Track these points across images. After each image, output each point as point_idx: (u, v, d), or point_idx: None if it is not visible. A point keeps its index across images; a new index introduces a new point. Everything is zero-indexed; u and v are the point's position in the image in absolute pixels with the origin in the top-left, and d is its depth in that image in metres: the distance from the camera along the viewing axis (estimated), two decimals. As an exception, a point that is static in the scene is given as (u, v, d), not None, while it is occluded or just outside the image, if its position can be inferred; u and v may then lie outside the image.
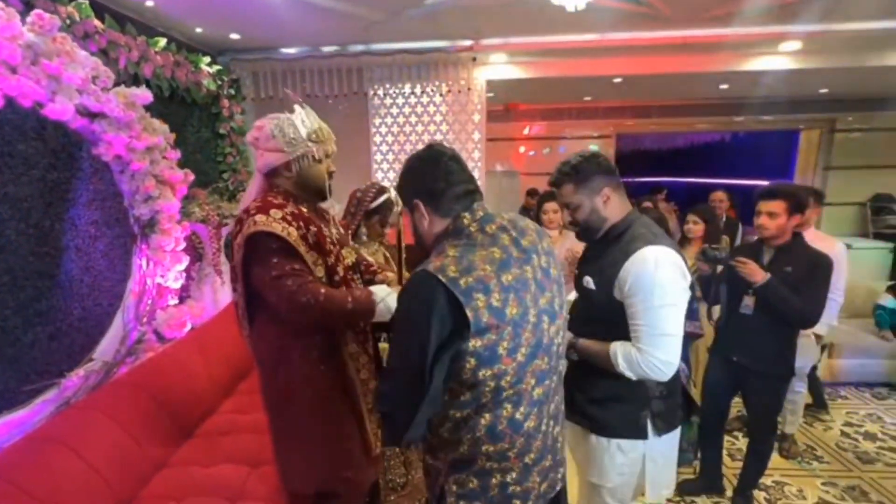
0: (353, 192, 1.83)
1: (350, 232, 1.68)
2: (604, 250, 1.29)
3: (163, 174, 2.16)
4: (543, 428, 0.99)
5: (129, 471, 1.43)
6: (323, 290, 1.18)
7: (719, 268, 2.13)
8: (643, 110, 5.79)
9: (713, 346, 2.18)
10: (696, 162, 7.11)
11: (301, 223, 1.23)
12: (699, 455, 2.35)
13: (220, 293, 2.85)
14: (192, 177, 2.35)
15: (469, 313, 0.86)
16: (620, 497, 1.37)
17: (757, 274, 1.83)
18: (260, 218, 1.18)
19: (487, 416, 0.92)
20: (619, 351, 1.21)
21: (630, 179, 6.96)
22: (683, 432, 2.23)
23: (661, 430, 1.30)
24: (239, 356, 2.22)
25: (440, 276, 0.87)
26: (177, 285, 2.32)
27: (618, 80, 4.06)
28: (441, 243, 0.98)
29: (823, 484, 2.40)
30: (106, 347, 2.03)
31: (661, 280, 1.16)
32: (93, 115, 1.81)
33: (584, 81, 4.30)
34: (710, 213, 2.88)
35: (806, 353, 2.48)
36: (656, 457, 1.33)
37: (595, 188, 1.27)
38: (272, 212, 1.20)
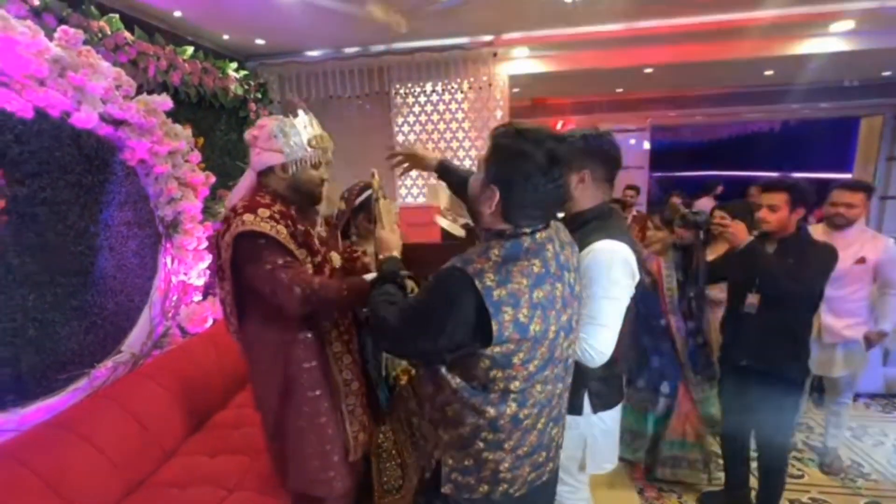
0: (340, 195, 1.84)
1: (340, 232, 1.70)
2: (564, 237, 1.29)
3: (185, 177, 2.27)
4: (540, 426, 1.02)
5: (139, 458, 1.53)
6: (317, 279, 1.21)
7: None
8: (680, 101, 5.51)
9: (721, 355, 2.04)
10: (740, 154, 6.66)
11: (289, 221, 1.25)
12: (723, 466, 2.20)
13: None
14: (213, 179, 2.46)
15: (494, 326, 0.88)
16: (567, 470, 1.42)
17: (741, 234, 1.71)
18: (248, 217, 1.20)
19: (492, 409, 0.96)
20: None
21: (667, 174, 6.63)
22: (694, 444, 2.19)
23: (598, 409, 1.37)
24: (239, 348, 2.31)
25: (476, 282, 0.88)
26: (200, 282, 2.44)
27: (648, 70, 3.88)
28: (490, 239, 0.98)
29: (868, 504, 2.21)
30: (134, 340, 2.16)
31: (608, 273, 1.19)
32: (117, 123, 1.92)
33: (613, 73, 4.13)
34: (744, 209, 2.69)
35: (853, 361, 2.29)
36: (595, 433, 1.40)
37: (574, 166, 1.25)
38: (260, 211, 1.22)
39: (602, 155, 1.27)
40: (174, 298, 2.31)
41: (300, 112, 1.33)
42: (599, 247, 1.20)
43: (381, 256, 1.19)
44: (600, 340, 1.19)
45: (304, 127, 1.30)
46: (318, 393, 1.33)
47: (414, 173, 3.83)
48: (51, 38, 1.65)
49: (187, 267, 2.35)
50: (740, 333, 1.88)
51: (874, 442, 2.70)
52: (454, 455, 1.02)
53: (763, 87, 5.10)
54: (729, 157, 6.38)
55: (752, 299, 1.81)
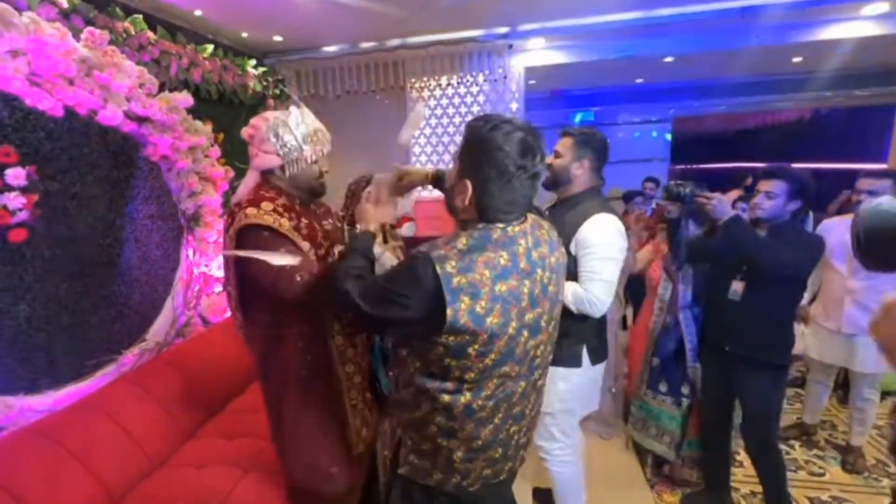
0: (348, 185, 1.86)
1: (347, 223, 1.72)
2: (564, 214, 1.59)
3: (205, 171, 2.34)
4: (497, 421, 1.00)
5: (161, 439, 1.61)
6: (317, 266, 1.21)
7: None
8: (704, 90, 5.35)
9: (704, 340, 2.03)
10: (768, 145, 6.43)
11: (293, 214, 1.27)
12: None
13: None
14: (231, 173, 2.53)
15: (449, 313, 0.87)
16: (562, 426, 1.67)
17: (723, 207, 1.71)
18: (251, 211, 1.20)
19: (446, 396, 0.96)
20: (568, 288, 1.50)
21: (690, 166, 6.46)
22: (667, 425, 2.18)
23: (594, 361, 1.65)
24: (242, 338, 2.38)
25: (437, 267, 0.88)
26: (220, 273, 2.52)
27: (668, 59, 3.79)
28: (460, 229, 0.98)
29: (893, 505, 2.13)
30: (157, 329, 2.26)
31: (606, 238, 1.50)
32: (140, 120, 2.00)
33: (632, 63, 4.05)
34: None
35: (875, 354, 2.21)
36: (589, 380, 1.67)
37: (581, 154, 1.60)
38: (263, 204, 1.22)
39: (597, 148, 1.61)
40: (196, 289, 2.40)
41: (292, 108, 1.31)
42: (599, 217, 1.51)
43: (357, 228, 1.17)
44: (602, 292, 1.49)
45: (297, 125, 1.27)
46: (321, 386, 1.33)
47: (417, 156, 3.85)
48: (77, 39, 1.73)
49: (208, 259, 2.44)
50: (724, 320, 1.88)
51: (902, 442, 2.61)
52: (413, 436, 1.04)
53: (791, 75, 4.90)
54: (756, 148, 6.14)
55: (737, 286, 1.80)
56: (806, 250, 1.72)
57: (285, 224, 1.23)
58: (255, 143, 1.31)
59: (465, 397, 0.96)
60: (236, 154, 3.05)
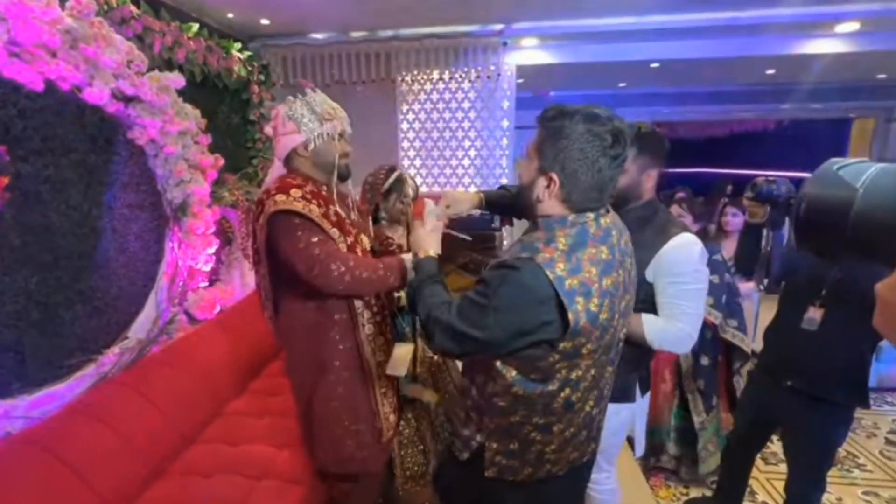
0: (364, 180, 1.81)
1: (370, 217, 1.68)
2: (635, 230, 1.26)
3: (194, 158, 2.20)
4: (588, 408, 1.02)
5: (160, 445, 1.49)
6: (351, 257, 1.21)
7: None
8: (680, 97, 5.54)
9: (759, 363, 1.84)
10: (735, 152, 6.76)
11: (321, 201, 1.24)
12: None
13: (248, 277, 2.91)
14: (221, 161, 2.39)
15: (571, 317, 0.86)
16: (609, 457, 1.51)
17: None
18: (280, 198, 1.19)
19: (547, 398, 0.96)
20: (652, 324, 1.30)
21: (664, 170, 6.69)
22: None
23: (643, 392, 1.47)
24: (266, 339, 2.26)
25: (548, 272, 0.86)
26: (207, 268, 2.37)
27: (655, 65, 3.89)
28: (551, 226, 0.94)
29: (864, 493, 2.28)
30: (140, 326, 2.10)
31: (695, 265, 1.28)
32: (128, 100, 1.85)
33: (619, 67, 4.13)
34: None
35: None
36: (640, 415, 1.52)
37: (647, 164, 1.34)
38: (292, 191, 1.21)
39: (659, 150, 1.38)
40: (181, 284, 2.25)
41: (307, 90, 1.33)
42: (684, 240, 1.29)
43: (419, 255, 1.16)
44: (693, 326, 1.29)
45: (313, 102, 1.30)
46: (352, 374, 1.33)
47: (418, 162, 3.80)
48: (62, 8, 1.57)
49: (195, 252, 2.29)
50: (793, 351, 1.62)
51: (867, 434, 2.80)
52: (499, 439, 1.01)
53: (761, 87, 5.16)
54: (725, 155, 6.46)
55: (814, 314, 1.54)
56: None
57: (315, 210, 1.21)
58: (278, 130, 1.29)
59: (565, 392, 0.96)
60: (219, 141, 2.89)
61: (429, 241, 1.18)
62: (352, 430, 1.34)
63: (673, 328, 1.28)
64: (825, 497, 2.23)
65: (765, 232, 1.75)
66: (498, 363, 0.96)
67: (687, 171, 6.72)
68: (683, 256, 1.27)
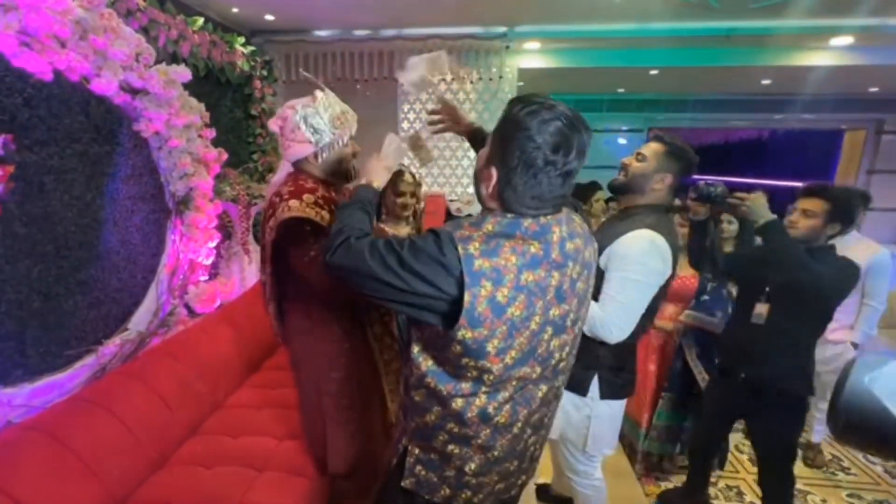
0: None
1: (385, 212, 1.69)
2: (618, 224, 1.40)
3: (198, 152, 2.20)
4: (516, 430, 0.93)
5: (162, 435, 1.50)
6: None
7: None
8: (678, 104, 5.62)
9: (719, 359, 1.95)
10: (729, 160, 6.86)
11: (333, 206, 1.26)
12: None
13: (247, 271, 2.92)
14: (225, 156, 2.40)
15: (466, 297, 0.79)
16: (595, 450, 1.52)
17: (761, 209, 1.53)
18: (294, 203, 1.19)
19: (459, 400, 0.88)
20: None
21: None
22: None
23: (605, 396, 1.44)
24: (266, 334, 2.27)
25: (459, 247, 0.80)
26: (208, 262, 2.38)
27: (654, 71, 3.94)
28: (486, 216, 0.87)
29: (848, 496, 2.34)
30: (140, 318, 2.10)
31: (639, 258, 1.29)
32: (135, 92, 1.85)
33: (619, 72, 4.18)
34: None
35: (839, 363, 2.40)
36: (601, 417, 1.47)
37: (668, 168, 1.39)
38: (305, 196, 1.22)
39: (687, 166, 1.40)
40: (181, 277, 2.25)
41: (317, 93, 1.29)
42: (642, 233, 1.31)
43: (362, 181, 1.10)
44: (624, 319, 1.30)
45: (325, 109, 1.26)
46: (359, 373, 1.34)
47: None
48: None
49: (196, 245, 2.29)
50: (742, 344, 1.75)
51: (852, 438, 2.86)
52: (420, 445, 0.95)
53: (755, 96, 5.25)
54: (719, 163, 6.56)
55: (761, 309, 1.68)
56: (845, 276, 1.54)
57: (326, 217, 1.22)
58: (286, 134, 1.28)
59: (481, 400, 0.87)
60: (221, 136, 2.89)
61: (377, 172, 1.12)
62: (361, 428, 1.35)
63: (600, 311, 1.31)
64: (810, 498, 2.31)
65: (710, 227, 1.91)
66: (415, 350, 0.91)
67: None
68: (631, 248, 1.30)
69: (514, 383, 0.88)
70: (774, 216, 1.55)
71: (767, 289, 1.68)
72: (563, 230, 0.88)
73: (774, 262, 1.55)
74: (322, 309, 1.29)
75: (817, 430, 2.57)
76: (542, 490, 2.13)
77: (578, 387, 1.42)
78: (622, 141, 6.36)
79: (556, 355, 0.92)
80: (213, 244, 2.38)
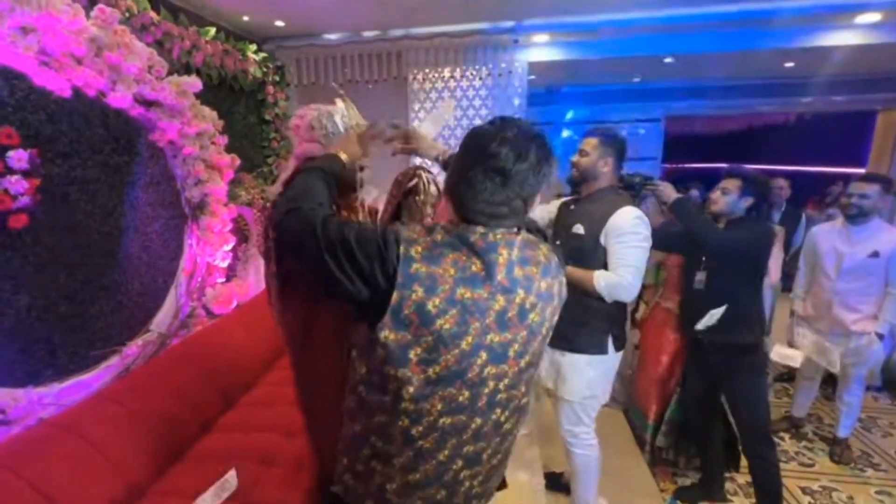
0: (396, 176, 1.84)
1: (389, 215, 1.70)
2: (590, 207, 1.73)
3: (212, 159, 2.28)
4: (441, 458, 0.88)
5: (179, 431, 1.58)
6: None
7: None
8: (696, 91, 5.45)
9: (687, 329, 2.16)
10: (754, 147, 6.62)
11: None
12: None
13: (262, 273, 3.00)
14: (238, 161, 2.47)
15: (395, 296, 0.78)
16: (588, 411, 1.78)
17: (668, 191, 1.92)
18: None
19: (383, 416, 0.86)
20: (601, 275, 1.63)
21: (679, 165, 6.59)
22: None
23: (618, 348, 1.75)
24: (278, 334, 2.34)
25: (402, 247, 0.80)
26: (224, 264, 2.46)
27: (669, 59, 3.85)
28: (439, 224, 0.88)
29: (877, 493, 2.25)
30: (161, 320, 2.20)
31: (635, 228, 1.61)
32: (149, 104, 1.93)
33: (632, 61, 4.10)
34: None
35: (864, 354, 2.32)
36: (613, 368, 1.79)
37: (606, 153, 1.72)
38: None
39: (619, 147, 1.74)
40: (199, 280, 2.34)
41: (338, 101, 1.33)
42: (628, 209, 1.64)
43: (330, 150, 1.10)
44: (632, 276, 1.59)
45: (342, 116, 1.30)
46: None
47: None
48: (87, 17, 1.65)
49: (213, 248, 2.37)
50: (693, 307, 2.06)
51: (883, 433, 2.75)
52: (348, 454, 0.94)
53: (780, 80, 5.04)
54: (742, 150, 6.33)
55: (700, 276, 1.99)
56: (754, 235, 1.89)
57: None
58: (300, 133, 1.32)
59: (404, 422, 0.85)
60: (235, 142, 2.98)
61: (348, 144, 1.12)
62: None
63: (617, 277, 1.60)
64: (836, 495, 2.23)
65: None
66: (354, 353, 0.89)
67: (704, 167, 6.60)
68: (623, 221, 1.62)
69: (438, 405, 0.84)
70: (680, 195, 1.92)
71: (704, 258, 1.98)
72: (513, 254, 0.85)
73: (690, 233, 1.90)
74: (321, 307, 1.27)
75: (844, 424, 2.48)
76: (552, 479, 2.14)
77: (600, 348, 1.71)
78: (641, 131, 6.24)
79: (491, 384, 0.87)
80: (228, 247, 2.46)
